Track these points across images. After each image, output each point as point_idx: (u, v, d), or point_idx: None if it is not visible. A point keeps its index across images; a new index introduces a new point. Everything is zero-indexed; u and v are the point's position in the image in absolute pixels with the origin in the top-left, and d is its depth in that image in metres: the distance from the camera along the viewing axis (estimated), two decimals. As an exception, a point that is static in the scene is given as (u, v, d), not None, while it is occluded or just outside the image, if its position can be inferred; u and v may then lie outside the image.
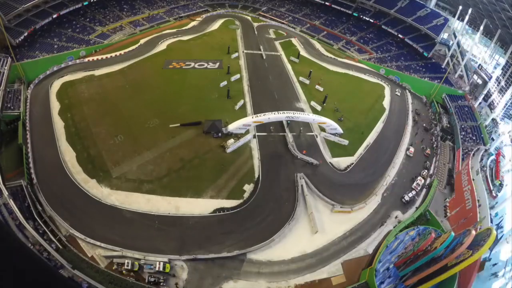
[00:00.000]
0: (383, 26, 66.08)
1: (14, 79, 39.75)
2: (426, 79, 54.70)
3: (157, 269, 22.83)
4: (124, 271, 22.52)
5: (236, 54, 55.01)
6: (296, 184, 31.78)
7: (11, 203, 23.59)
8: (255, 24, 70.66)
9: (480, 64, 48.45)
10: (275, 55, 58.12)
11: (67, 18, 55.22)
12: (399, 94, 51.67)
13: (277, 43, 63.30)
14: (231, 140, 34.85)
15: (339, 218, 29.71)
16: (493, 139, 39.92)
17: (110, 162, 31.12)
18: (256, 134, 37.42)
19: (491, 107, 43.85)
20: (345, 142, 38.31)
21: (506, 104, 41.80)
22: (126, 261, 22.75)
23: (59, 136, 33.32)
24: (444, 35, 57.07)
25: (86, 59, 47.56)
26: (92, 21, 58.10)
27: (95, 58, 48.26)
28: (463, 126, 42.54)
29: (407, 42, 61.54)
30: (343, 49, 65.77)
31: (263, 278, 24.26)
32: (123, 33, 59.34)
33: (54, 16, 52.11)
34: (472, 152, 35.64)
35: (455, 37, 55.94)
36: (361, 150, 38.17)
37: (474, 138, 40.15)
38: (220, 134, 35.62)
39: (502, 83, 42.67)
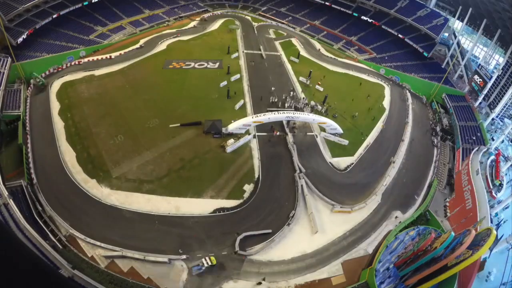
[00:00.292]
0: (383, 26, 66.08)
1: (14, 79, 39.79)
2: (426, 79, 54.73)
3: (205, 265, 23.32)
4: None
5: (236, 54, 55.04)
6: (296, 184, 31.78)
7: (11, 203, 23.60)
8: (255, 24, 70.70)
9: (480, 64, 48.45)
10: (275, 55, 58.14)
11: (67, 18, 55.18)
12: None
13: (277, 43, 63.31)
14: (231, 140, 34.86)
15: (339, 218, 29.72)
16: (493, 139, 39.94)
17: (110, 162, 31.13)
18: (256, 134, 37.45)
19: (491, 107, 43.86)
20: (345, 142, 38.33)
21: (506, 104, 41.82)
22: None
23: (59, 136, 33.32)
24: (444, 35, 57.07)
25: (86, 59, 47.62)
26: (92, 21, 58.10)
27: (95, 58, 48.32)
28: (463, 126, 42.57)
29: (407, 42, 61.53)
30: (343, 49, 65.79)
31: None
32: (123, 33, 59.39)
33: (54, 16, 52.09)
34: (472, 152, 35.66)
35: (455, 37, 55.97)
36: (361, 150, 38.19)
37: (474, 138, 40.16)
38: (220, 135, 35.62)
39: (502, 83, 42.68)
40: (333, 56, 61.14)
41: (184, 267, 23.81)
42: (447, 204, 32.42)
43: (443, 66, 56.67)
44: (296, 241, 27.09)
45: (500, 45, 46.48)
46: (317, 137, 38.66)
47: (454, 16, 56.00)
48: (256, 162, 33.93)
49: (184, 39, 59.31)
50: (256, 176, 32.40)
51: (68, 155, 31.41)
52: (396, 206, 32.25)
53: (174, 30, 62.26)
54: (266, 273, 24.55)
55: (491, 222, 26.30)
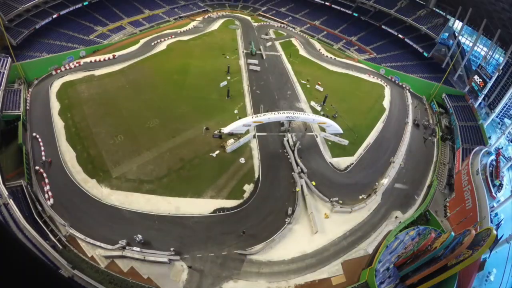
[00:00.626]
0: (383, 26, 66.09)
1: (14, 79, 39.79)
2: (426, 79, 54.72)
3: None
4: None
5: (236, 55, 55.12)
6: (296, 184, 31.73)
7: (11, 203, 23.59)
8: (255, 24, 70.73)
9: (480, 64, 48.45)
10: (275, 55, 58.16)
11: (67, 18, 55.20)
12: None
13: (277, 43, 63.38)
14: (231, 140, 34.88)
15: (339, 218, 29.70)
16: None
17: (110, 162, 31.13)
18: (256, 134, 37.46)
19: (491, 107, 43.85)
20: (345, 142, 38.32)
21: (506, 104, 41.80)
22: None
23: (59, 136, 33.33)
24: (444, 35, 57.05)
25: (86, 59, 47.62)
26: (92, 21, 58.11)
27: (95, 58, 48.31)
28: (463, 126, 42.55)
29: (407, 42, 61.54)
30: (343, 49, 65.81)
31: (263, 278, 24.23)
32: (123, 33, 59.40)
33: (54, 16, 52.13)
34: (472, 152, 35.63)
35: (455, 37, 55.95)
36: (361, 150, 38.20)
37: (474, 138, 40.16)
38: (220, 135, 35.65)
39: (502, 83, 42.68)
40: (333, 56, 61.17)
41: (184, 267, 23.82)
42: (447, 204, 32.40)
43: (443, 66, 56.66)
44: (296, 241, 27.08)
45: (500, 45, 46.46)
46: (317, 137, 38.67)
47: (454, 16, 55.98)
48: (256, 162, 33.93)
49: (184, 39, 59.38)
50: (256, 176, 32.39)
51: (68, 155, 31.41)
52: (396, 206, 32.24)
53: (174, 30, 62.32)
54: (266, 273, 24.55)
55: (491, 222, 26.28)
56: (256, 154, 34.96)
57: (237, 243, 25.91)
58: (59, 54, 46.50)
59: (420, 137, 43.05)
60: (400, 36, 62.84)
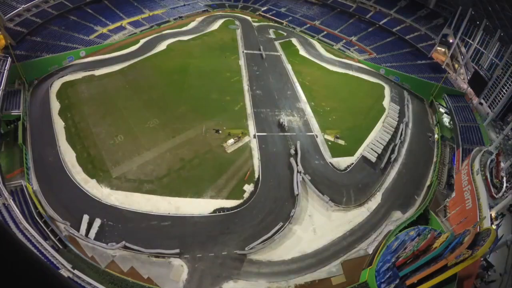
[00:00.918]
0: (383, 26, 66.08)
1: (14, 79, 39.76)
2: (426, 79, 54.68)
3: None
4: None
5: (236, 55, 55.12)
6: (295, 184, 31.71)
7: (11, 203, 23.59)
8: (255, 24, 70.75)
9: (480, 64, 48.40)
10: (275, 55, 58.17)
11: (67, 18, 55.21)
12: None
13: (277, 43, 63.37)
14: (231, 140, 34.90)
15: (339, 218, 29.70)
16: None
17: (110, 162, 31.15)
18: (256, 134, 37.47)
19: (491, 107, 43.81)
20: (345, 142, 38.30)
21: (506, 104, 41.73)
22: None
23: (59, 136, 33.35)
24: (444, 35, 57.03)
25: (86, 59, 47.64)
26: (92, 21, 58.10)
27: (95, 58, 48.32)
28: (463, 126, 42.51)
29: (407, 42, 61.52)
30: (343, 49, 65.75)
31: (263, 278, 24.25)
32: (123, 33, 59.38)
33: (54, 16, 52.16)
34: (472, 152, 35.59)
35: (455, 37, 55.89)
36: (361, 150, 38.17)
37: (474, 138, 40.13)
38: (220, 131, 35.97)
39: (502, 83, 42.63)
40: (333, 56, 61.15)
41: (184, 267, 23.82)
42: (447, 204, 32.37)
43: (443, 66, 56.63)
44: (296, 241, 27.09)
45: (500, 45, 46.42)
46: (317, 137, 38.66)
47: (454, 16, 55.94)
48: (256, 162, 33.93)
49: (184, 39, 59.36)
50: (256, 176, 32.39)
51: (68, 155, 31.43)
52: (396, 206, 32.24)
53: (174, 30, 62.33)
54: (266, 273, 24.56)
55: (491, 222, 26.25)
56: (256, 154, 34.97)
57: (237, 243, 25.90)
58: (59, 54, 46.47)
59: (420, 137, 43.04)
60: (400, 36, 62.79)
